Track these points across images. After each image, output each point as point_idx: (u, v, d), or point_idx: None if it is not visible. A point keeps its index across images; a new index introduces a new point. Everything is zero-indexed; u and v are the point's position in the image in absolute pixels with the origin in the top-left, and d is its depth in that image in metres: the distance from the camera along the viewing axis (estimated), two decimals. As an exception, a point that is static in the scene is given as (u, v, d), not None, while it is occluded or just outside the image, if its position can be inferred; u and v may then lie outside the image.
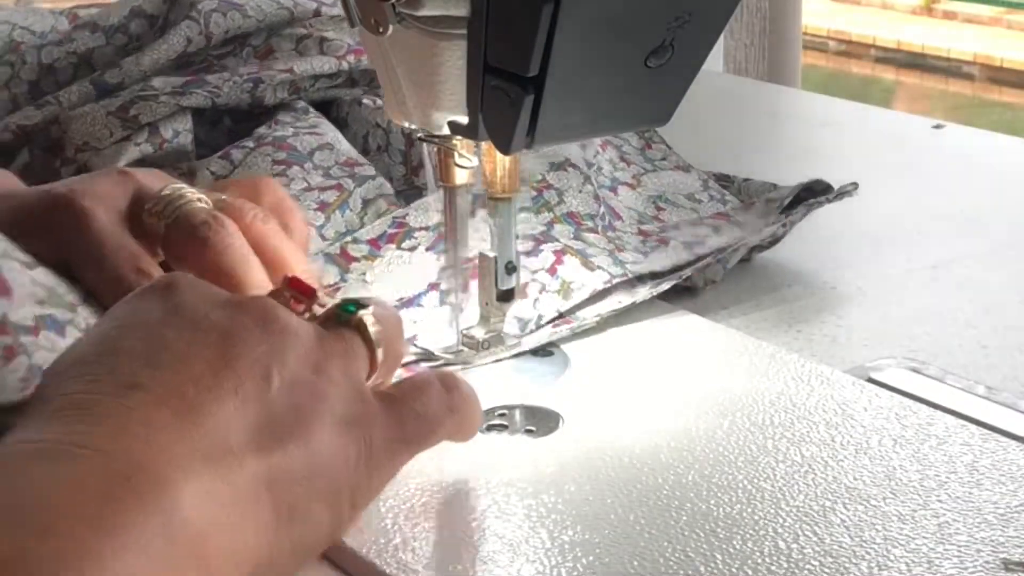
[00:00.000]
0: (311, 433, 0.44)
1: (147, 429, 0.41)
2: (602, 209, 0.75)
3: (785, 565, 0.46)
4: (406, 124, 0.60)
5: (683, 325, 0.68)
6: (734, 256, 0.74)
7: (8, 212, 0.62)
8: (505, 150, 0.56)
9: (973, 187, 0.91)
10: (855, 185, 0.78)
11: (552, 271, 0.68)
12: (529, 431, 0.57)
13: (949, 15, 8.45)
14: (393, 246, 0.71)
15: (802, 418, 0.57)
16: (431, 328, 0.64)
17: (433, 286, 0.68)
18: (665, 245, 0.73)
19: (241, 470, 0.42)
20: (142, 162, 0.77)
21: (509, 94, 0.52)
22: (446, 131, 0.58)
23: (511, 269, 0.62)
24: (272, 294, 0.51)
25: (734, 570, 0.46)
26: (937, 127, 1.01)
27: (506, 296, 0.62)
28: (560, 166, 0.76)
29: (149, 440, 0.41)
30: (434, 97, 0.57)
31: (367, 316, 0.49)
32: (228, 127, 0.84)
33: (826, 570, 0.46)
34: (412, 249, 0.71)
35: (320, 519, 0.44)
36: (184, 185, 0.62)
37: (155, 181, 0.63)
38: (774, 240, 0.77)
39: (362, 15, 0.57)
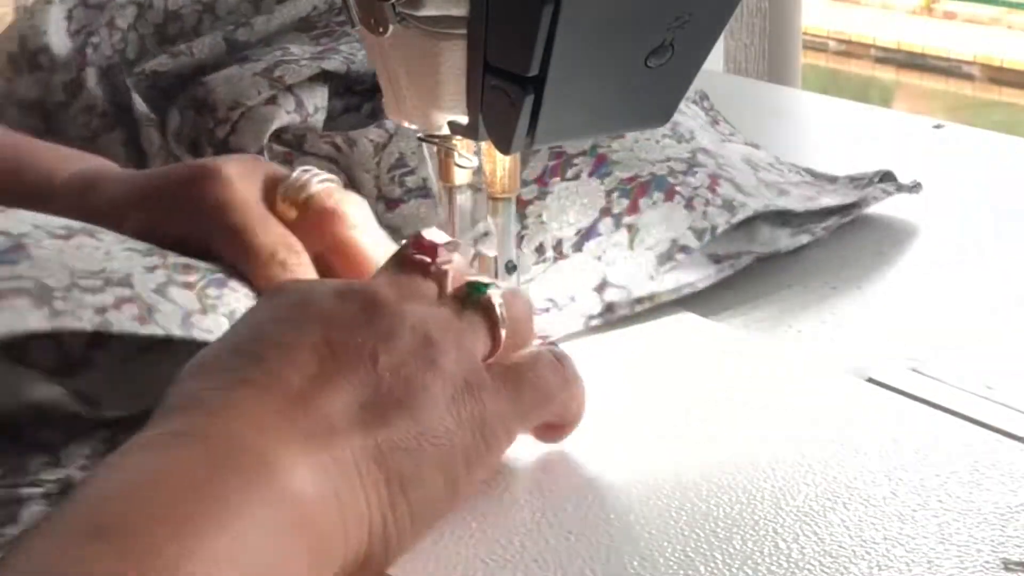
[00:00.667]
0: (419, 404, 0.46)
1: (252, 415, 0.43)
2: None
3: (785, 565, 0.46)
4: (406, 124, 0.60)
5: (683, 325, 0.67)
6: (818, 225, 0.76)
7: (149, 186, 0.63)
8: (505, 150, 0.56)
9: (973, 187, 0.90)
10: (919, 185, 0.80)
11: (712, 189, 0.69)
12: (529, 431, 0.57)
13: (949, 15, 8.45)
14: (558, 179, 0.74)
15: (802, 418, 0.57)
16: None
17: (604, 211, 0.72)
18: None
19: (347, 445, 0.44)
20: (286, 131, 0.80)
21: (509, 94, 0.52)
22: (446, 131, 0.58)
23: (511, 268, 0.62)
24: (401, 256, 0.52)
25: (734, 570, 0.46)
26: (937, 127, 1.01)
27: (506, 296, 0.62)
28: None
29: (253, 424, 0.43)
30: (434, 97, 0.57)
31: (496, 296, 0.51)
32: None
33: (826, 570, 0.46)
34: (576, 177, 0.74)
35: (435, 486, 0.46)
36: (312, 167, 0.64)
37: (281, 169, 0.64)
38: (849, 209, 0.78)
39: (362, 15, 0.57)
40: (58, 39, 0.88)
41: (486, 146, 0.60)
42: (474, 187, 0.62)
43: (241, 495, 0.40)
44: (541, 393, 0.51)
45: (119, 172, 0.67)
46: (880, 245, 0.80)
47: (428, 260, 0.51)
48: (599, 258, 0.70)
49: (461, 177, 0.61)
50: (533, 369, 0.51)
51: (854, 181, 0.84)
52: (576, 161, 0.75)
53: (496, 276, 0.62)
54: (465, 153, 0.60)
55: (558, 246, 0.73)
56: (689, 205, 0.75)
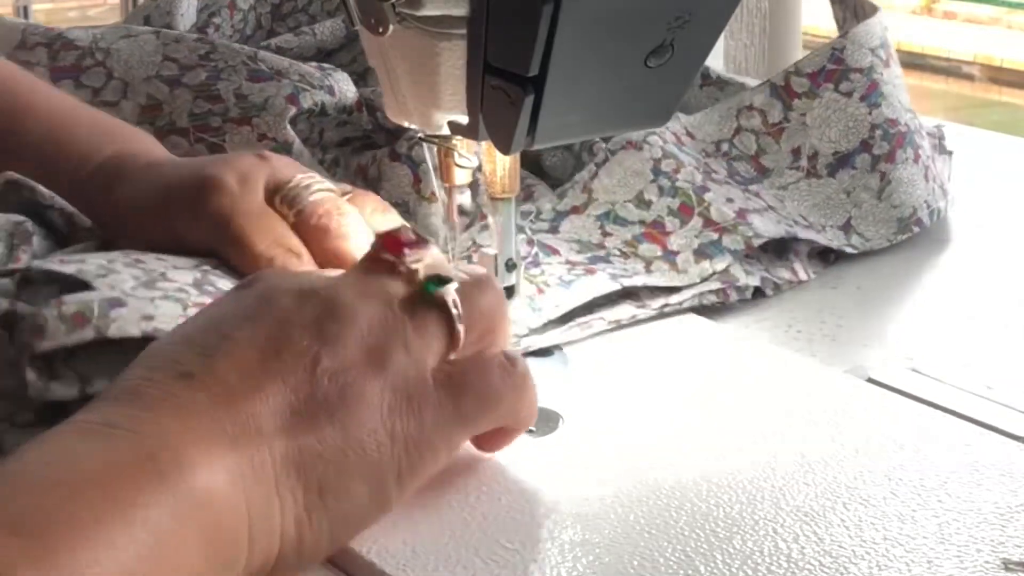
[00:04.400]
0: (352, 414, 0.46)
1: (182, 413, 0.43)
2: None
3: (785, 565, 0.46)
4: (406, 124, 0.60)
5: (683, 325, 0.67)
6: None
7: (161, 190, 0.64)
8: (505, 150, 0.56)
9: (973, 187, 0.90)
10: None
11: None
12: (529, 431, 0.57)
13: (949, 15, 8.45)
14: (830, 86, 0.79)
15: (802, 418, 0.57)
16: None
17: (865, 145, 0.77)
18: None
19: (269, 452, 0.44)
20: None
21: (509, 94, 0.52)
22: (446, 131, 0.58)
23: (511, 266, 0.62)
24: (369, 256, 0.52)
25: (734, 570, 0.46)
26: (937, 127, 1.01)
27: (506, 293, 0.62)
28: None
29: (180, 422, 0.43)
30: (434, 97, 0.57)
31: (450, 293, 0.50)
32: None
33: (826, 570, 0.46)
34: (848, 95, 0.78)
35: (358, 496, 0.46)
36: (314, 175, 0.64)
37: (288, 170, 0.64)
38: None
39: (362, 15, 0.57)
40: (186, 19, 0.93)
41: (486, 146, 0.60)
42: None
43: (154, 502, 0.41)
44: (487, 399, 0.50)
45: (141, 165, 0.67)
46: (880, 245, 0.80)
47: (394, 259, 0.51)
48: (848, 194, 0.74)
49: (461, 177, 0.61)
50: (481, 375, 0.50)
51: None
52: (853, 77, 0.78)
53: (496, 275, 0.62)
54: (465, 153, 0.60)
55: (814, 158, 0.77)
56: (926, 176, 0.78)
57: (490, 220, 0.62)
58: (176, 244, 0.62)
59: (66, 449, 0.42)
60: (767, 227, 0.73)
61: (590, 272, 0.69)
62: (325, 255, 0.61)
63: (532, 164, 0.83)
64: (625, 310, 0.67)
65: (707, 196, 0.73)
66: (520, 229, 0.72)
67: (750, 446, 0.54)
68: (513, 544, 0.48)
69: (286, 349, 0.46)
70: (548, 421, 0.57)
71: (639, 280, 0.69)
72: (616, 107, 0.56)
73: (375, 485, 0.47)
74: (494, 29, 0.52)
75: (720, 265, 0.70)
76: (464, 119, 0.57)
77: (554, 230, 0.74)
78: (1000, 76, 7.44)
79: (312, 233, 0.61)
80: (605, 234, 0.73)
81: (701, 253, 0.71)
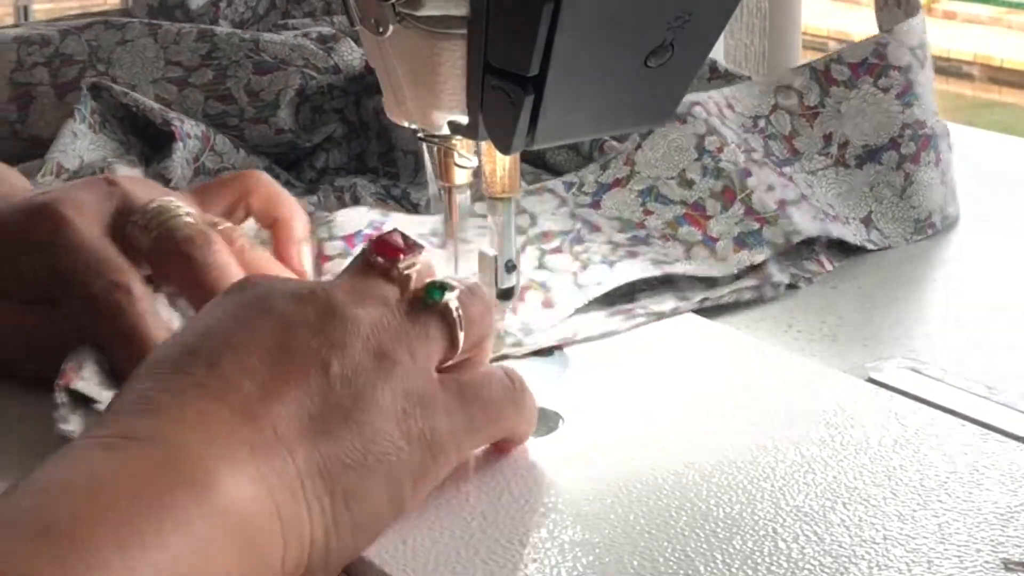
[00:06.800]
0: (368, 418, 0.46)
1: (201, 423, 0.43)
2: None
3: (785, 565, 0.46)
4: (406, 124, 0.60)
5: (682, 325, 0.67)
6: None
7: None
8: (505, 150, 0.56)
9: (973, 187, 0.90)
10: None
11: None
12: (529, 431, 0.57)
13: (949, 15, 8.45)
14: (869, 80, 0.81)
15: (802, 418, 0.57)
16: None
17: (894, 143, 0.80)
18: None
19: (292, 458, 0.44)
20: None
21: (509, 94, 0.52)
22: (446, 131, 0.58)
23: (511, 267, 0.62)
24: (362, 261, 0.51)
25: (734, 570, 0.46)
26: (944, 126, 1.01)
27: (506, 295, 0.62)
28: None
29: (200, 432, 0.43)
30: (434, 97, 0.57)
31: (452, 300, 0.50)
32: None
33: (826, 570, 0.46)
34: (885, 91, 0.80)
35: (380, 501, 0.46)
36: (173, 198, 0.62)
37: (143, 192, 0.62)
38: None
39: (362, 15, 0.57)
40: None
41: (486, 146, 0.60)
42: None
43: (183, 506, 0.40)
44: (492, 412, 0.51)
45: None
46: (880, 245, 0.80)
47: (389, 263, 0.50)
48: (871, 188, 0.76)
49: (461, 177, 0.61)
50: (486, 387, 0.51)
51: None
52: (892, 74, 0.80)
53: (496, 276, 0.62)
54: (465, 153, 0.60)
55: (844, 147, 0.79)
56: (943, 181, 0.80)
57: (490, 221, 0.62)
58: (18, 280, 0.60)
59: (90, 460, 0.41)
60: (805, 223, 0.74)
61: (632, 255, 0.71)
62: (185, 286, 0.60)
63: (536, 159, 0.83)
64: (667, 302, 0.69)
65: (749, 182, 0.75)
66: (563, 202, 0.73)
67: (750, 446, 0.54)
68: (513, 544, 0.48)
69: (295, 352, 0.46)
70: (548, 421, 0.57)
71: (679, 268, 0.70)
72: (616, 107, 0.56)
73: (394, 489, 0.47)
74: (494, 29, 0.52)
75: (758, 258, 0.72)
76: (464, 119, 0.57)
77: (596, 204, 0.76)
78: (1000, 76, 7.44)
79: (170, 261, 0.60)
80: (646, 212, 0.75)
81: (740, 242, 0.73)
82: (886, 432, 0.55)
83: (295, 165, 0.84)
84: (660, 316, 0.67)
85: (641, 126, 0.66)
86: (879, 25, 0.84)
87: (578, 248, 0.71)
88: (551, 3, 0.49)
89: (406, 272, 0.50)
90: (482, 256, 0.62)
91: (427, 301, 0.50)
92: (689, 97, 0.77)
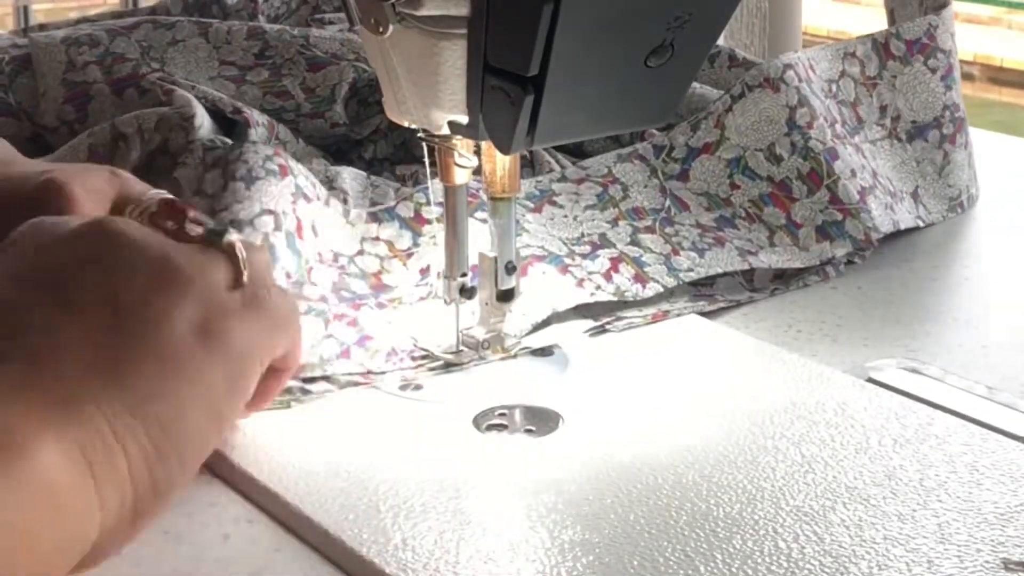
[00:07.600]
0: (163, 341, 0.45)
1: (7, 391, 0.42)
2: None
3: (785, 565, 0.46)
4: (406, 123, 0.60)
5: (683, 325, 0.67)
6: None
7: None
8: (505, 150, 0.56)
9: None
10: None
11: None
12: (529, 431, 0.57)
13: (949, 15, 8.44)
14: (922, 58, 0.84)
15: (802, 418, 0.57)
16: (431, 328, 0.64)
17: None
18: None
19: (94, 406, 0.43)
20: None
21: (509, 94, 0.52)
22: (446, 131, 0.58)
23: (511, 269, 0.62)
24: (149, 220, 0.52)
25: (734, 570, 0.46)
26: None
27: (506, 296, 0.62)
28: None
29: (8, 400, 0.42)
30: (434, 97, 0.57)
31: (236, 240, 0.51)
32: None
33: (826, 570, 0.46)
34: (934, 71, 0.84)
35: (198, 421, 0.46)
36: (164, 192, 0.62)
37: (139, 187, 0.63)
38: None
39: (362, 15, 0.57)
40: None
41: (486, 146, 0.60)
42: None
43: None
44: (280, 317, 0.52)
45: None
46: (879, 245, 0.80)
47: (176, 225, 0.51)
48: (917, 163, 0.82)
49: (461, 177, 0.61)
50: (273, 295, 0.52)
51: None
52: (939, 56, 0.84)
53: (496, 276, 0.62)
54: (465, 153, 0.60)
55: (896, 120, 0.83)
56: (970, 164, 0.86)
57: (490, 221, 0.62)
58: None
59: None
60: (882, 219, 0.76)
61: (719, 242, 0.73)
62: None
63: (574, 149, 0.84)
64: (740, 292, 0.72)
65: (836, 166, 0.76)
66: (653, 172, 0.76)
67: (750, 446, 0.54)
68: (514, 544, 0.48)
69: (72, 295, 0.45)
70: (548, 421, 0.57)
71: (764, 258, 0.72)
72: (616, 107, 0.56)
73: (210, 406, 0.47)
74: (494, 29, 0.52)
75: (840, 251, 0.75)
76: (464, 119, 0.57)
77: (684, 175, 0.77)
78: (1000, 76, 7.44)
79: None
80: (733, 187, 0.77)
81: (823, 232, 0.75)
82: (886, 432, 0.55)
83: (344, 156, 0.85)
84: (738, 304, 0.71)
85: (641, 126, 0.66)
86: (891, 18, 0.87)
87: (669, 231, 0.73)
88: (551, 3, 0.49)
89: (194, 233, 0.51)
90: (482, 257, 0.62)
91: (214, 239, 0.50)
92: (782, 58, 0.79)
